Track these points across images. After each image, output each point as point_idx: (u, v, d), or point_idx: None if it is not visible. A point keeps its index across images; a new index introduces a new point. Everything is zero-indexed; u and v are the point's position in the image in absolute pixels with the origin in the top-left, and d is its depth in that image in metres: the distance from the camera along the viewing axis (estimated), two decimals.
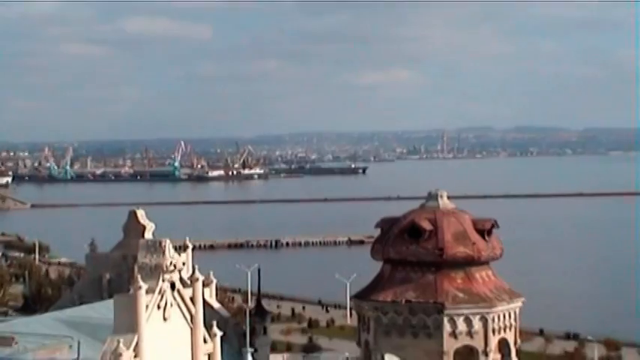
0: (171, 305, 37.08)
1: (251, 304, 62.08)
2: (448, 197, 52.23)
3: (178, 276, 37.67)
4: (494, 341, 48.92)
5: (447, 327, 48.25)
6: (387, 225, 51.78)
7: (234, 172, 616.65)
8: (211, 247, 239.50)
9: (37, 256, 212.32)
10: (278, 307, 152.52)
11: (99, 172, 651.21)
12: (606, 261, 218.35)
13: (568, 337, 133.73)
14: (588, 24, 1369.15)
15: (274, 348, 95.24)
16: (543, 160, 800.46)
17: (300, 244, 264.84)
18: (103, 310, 40.92)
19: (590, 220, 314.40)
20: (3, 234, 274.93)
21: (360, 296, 51.64)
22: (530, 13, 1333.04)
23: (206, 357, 38.21)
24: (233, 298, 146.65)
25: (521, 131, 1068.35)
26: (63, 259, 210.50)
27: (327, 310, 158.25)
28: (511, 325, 50.23)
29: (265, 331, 51.25)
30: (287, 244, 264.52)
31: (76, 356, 33.90)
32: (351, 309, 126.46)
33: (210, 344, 38.42)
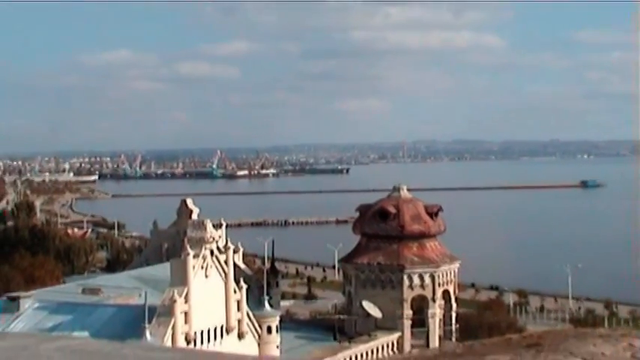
0: (211, 267, 37.08)
1: (267, 265, 62.25)
2: (407, 189, 52.27)
3: (216, 246, 37.66)
4: (439, 291, 49.01)
5: (406, 282, 48.33)
6: (364, 209, 51.84)
7: (255, 172, 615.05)
8: (239, 225, 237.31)
9: (116, 231, 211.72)
10: (286, 267, 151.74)
11: (159, 172, 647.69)
12: (518, 234, 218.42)
13: (491, 288, 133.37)
14: (505, 67, 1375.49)
15: (284, 297, 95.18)
16: (474, 163, 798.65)
17: (302, 223, 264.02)
18: (163, 269, 40.93)
19: (508, 206, 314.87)
20: (92, 216, 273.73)
21: (345, 260, 51.72)
22: (464, 60, 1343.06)
23: (236, 303, 38.22)
24: (254, 261, 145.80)
25: (458, 143, 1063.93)
26: (134, 234, 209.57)
27: (323, 270, 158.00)
28: (451, 280, 50.31)
29: (277, 285, 51.31)
30: (293, 223, 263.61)
31: (143, 302, 33.88)
32: (338, 269, 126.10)
33: (238, 294, 38.43)
